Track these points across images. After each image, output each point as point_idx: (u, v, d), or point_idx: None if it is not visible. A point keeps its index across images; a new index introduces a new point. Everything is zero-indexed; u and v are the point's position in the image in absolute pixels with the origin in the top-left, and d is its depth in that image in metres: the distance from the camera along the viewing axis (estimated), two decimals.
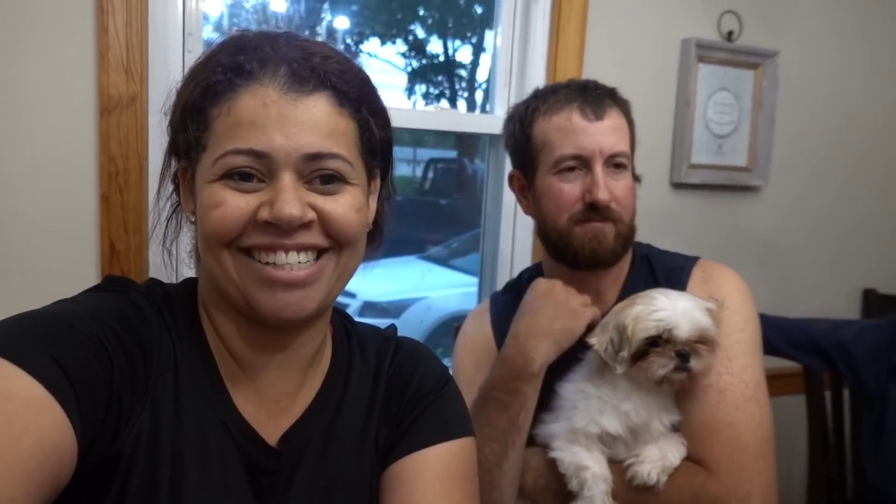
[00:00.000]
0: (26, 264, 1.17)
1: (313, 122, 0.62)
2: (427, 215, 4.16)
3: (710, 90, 1.92)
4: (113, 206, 1.18)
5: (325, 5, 2.63)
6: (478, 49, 4.04)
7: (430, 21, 3.90)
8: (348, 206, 0.64)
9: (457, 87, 4.23)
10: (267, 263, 0.62)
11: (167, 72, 1.20)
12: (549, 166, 1.11)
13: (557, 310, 1.06)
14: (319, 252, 0.65)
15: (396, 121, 1.45)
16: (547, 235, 1.15)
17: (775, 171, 2.00)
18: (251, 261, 0.63)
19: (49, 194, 1.19)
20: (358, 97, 0.65)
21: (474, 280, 3.22)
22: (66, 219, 1.19)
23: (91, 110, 1.17)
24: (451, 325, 1.44)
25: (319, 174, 0.63)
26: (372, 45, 3.62)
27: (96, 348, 0.57)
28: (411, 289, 3.37)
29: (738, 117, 1.97)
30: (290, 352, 0.69)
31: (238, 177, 0.61)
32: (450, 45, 4.02)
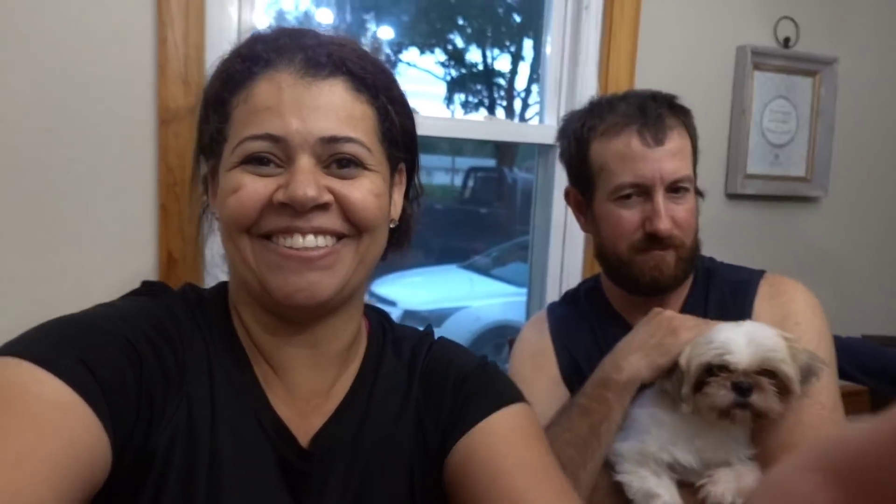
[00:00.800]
0: (87, 273, 1.18)
1: (329, 106, 0.62)
2: (467, 224, 4.14)
3: (767, 98, 1.87)
4: (171, 215, 1.19)
5: (370, 16, 2.64)
6: (516, 58, 4.03)
7: (469, 30, 3.90)
8: (366, 191, 0.64)
9: (495, 95, 4.22)
10: (284, 248, 0.62)
11: None
12: (607, 192, 1.07)
13: (658, 327, 1.00)
14: (339, 238, 0.64)
15: (446, 130, 1.42)
16: (606, 258, 1.12)
17: (835, 181, 1.94)
18: (268, 245, 0.62)
19: (110, 204, 1.20)
20: (375, 84, 0.65)
21: (515, 290, 3.18)
22: (126, 228, 1.20)
23: (151, 122, 1.18)
24: (493, 335, 1.42)
25: (337, 158, 0.62)
26: (411, 54, 3.64)
27: (125, 349, 0.58)
28: (452, 298, 3.34)
29: (796, 126, 1.91)
30: (318, 348, 0.68)
31: (256, 162, 0.62)
32: (488, 53, 4.02)
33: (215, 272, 0.90)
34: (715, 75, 1.81)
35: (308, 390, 0.69)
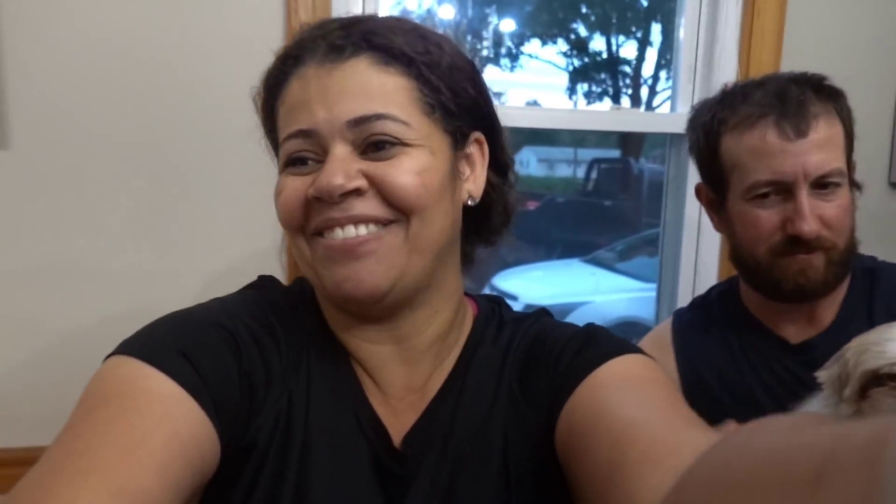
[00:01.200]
0: (220, 273, 1.24)
1: (353, 87, 0.59)
2: (590, 217, 4.03)
3: None
4: None
5: (492, 9, 2.61)
6: (643, 44, 3.86)
7: (592, 18, 3.79)
8: (405, 170, 0.59)
9: (620, 84, 4.07)
10: (329, 240, 0.61)
11: None
12: (741, 190, 0.97)
13: None
14: (384, 225, 0.60)
15: (570, 122, 1.34)
16: (743, 262, 1.02)
17: None
18: (319, 241, 0.61)
19: (239, 204, 1.26)
20: (407, 53, 0.60)
21: (642, 285, 3.06)
22: (253, 229, 1.25)
23: None
24: (618, 331, 1.34)
25: (372, 140, 0.59)
26: (532, 46, 3.58)
27: (226, 341, 0.59)
28: (575, 292, 3.27)
29: None
30: (403, 344, 0.66)
31: (299, 162, 0.61)
32: (613, 41, 3.88)
33: None
34: (875, 54, 1.63)
35: (401, 387, 0.67)
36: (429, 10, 1.86)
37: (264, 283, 0.71)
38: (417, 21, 0.67)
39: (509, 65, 3.76)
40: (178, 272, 1.20)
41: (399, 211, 0.60)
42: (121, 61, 1.12)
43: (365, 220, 0.59)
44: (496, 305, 0.75)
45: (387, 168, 0.59)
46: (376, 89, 0.59)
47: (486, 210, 0.70)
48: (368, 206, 0.59)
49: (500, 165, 0.70)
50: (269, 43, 1.19)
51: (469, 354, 0.69)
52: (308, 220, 0.61)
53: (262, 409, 0.61)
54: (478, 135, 0.67)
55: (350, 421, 0.64)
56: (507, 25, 2.98)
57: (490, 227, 0.72)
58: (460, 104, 0.64)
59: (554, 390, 0.63)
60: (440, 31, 0.66)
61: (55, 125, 1.11)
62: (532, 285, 3.23)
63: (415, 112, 0.60)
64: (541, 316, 0.73)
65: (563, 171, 4.74)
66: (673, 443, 0.48)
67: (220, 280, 1.22)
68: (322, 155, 0.60)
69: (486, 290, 2.81)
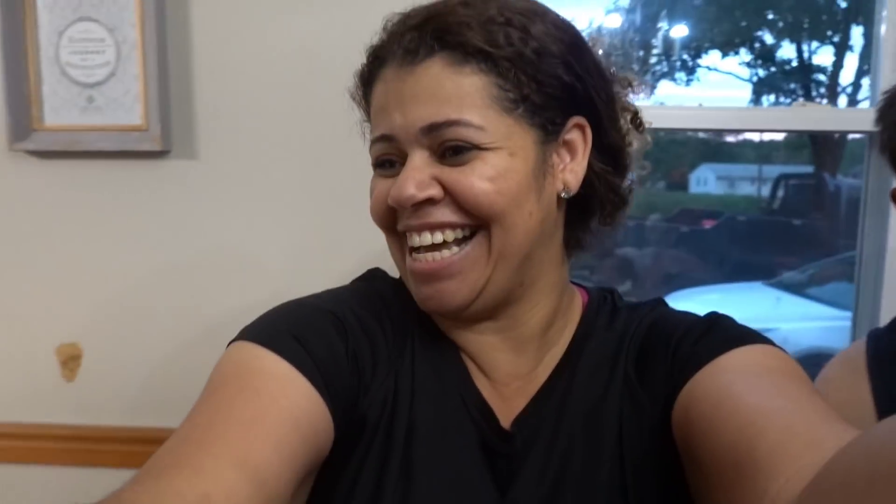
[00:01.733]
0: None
1: (426, 92, 0.57)
2: (776, 238, 3.69)
3: None
4: None
5: (663, 13, 2.48)
6: (841, 48, 3.52)
7: (780, 24, 3.52)
8: (478, 176, 0.57)
9: (813, 93, 3.74)
10: (412, 249, 0.61)
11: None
12: None
13: None
14: (471, 231, 0.59)
15: (750, 121, 1.21)
16: None
17: None
18: (404, 248, 0.62)
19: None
20: (485, 47, 0.57)
21: (837, 313, 2.72)
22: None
23: None
24: (807, 363, 1.17)
25: (446, 146, 0.58)
26: (711, 58, 3.38)
27: (335, 325, 0.62)
28: (756, 318, 3.00)
29: None
30: (505, 333, 0.65)
31: (386, 164, 0.62)
32: (805, 47, 3.59)
33: None
34: None
35: (506, 373, 0.66)
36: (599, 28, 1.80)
37: (373, 275, 0.73)
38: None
39: (684, 78, 3.58)
40: (331, 267, 1.22)
41: (475, 217, 0.59)
42: (305, 66, 1.14)
43: (439, 227, 0.59)
44: (608, 294, 0.73)
45: (460, 175, 0.58)
46: (450, 92, 0.57)
47: (590, 197, 0.66)
48: (443, 213, 0.59)
49: (607, 149, 0.65)
50: None
51: (580, 340, 0.68)
52: (396, 222, 0.62)
53: (370, 389, 0.62)
54: (578, 120, 0.62)
55: (456, 402, 0.64)
56: (679, 31, 2.83)
57: (596, 215, 0.68)
58: (549, 94, 0.60)
59: (672, 375, 0.59)
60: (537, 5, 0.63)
61: (239, 130, 1.16)
62: (707, 309, 3.00)
63: (492, 112, 0.58)
64: (659, 304, 0.70)
65: (745, 188, 4.41)
66: (812, 437, 0.44)
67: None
68: (403, 158, 0.60)
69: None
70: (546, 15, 0.61)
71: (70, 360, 1.22)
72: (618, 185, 0.67)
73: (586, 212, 0.68)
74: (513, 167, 0.58)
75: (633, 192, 0.69)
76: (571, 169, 0.63)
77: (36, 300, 1.21)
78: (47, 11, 1.15)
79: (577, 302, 0.71)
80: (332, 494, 0.62)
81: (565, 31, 0.62)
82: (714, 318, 0.64)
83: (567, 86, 0.60)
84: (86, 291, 1.20)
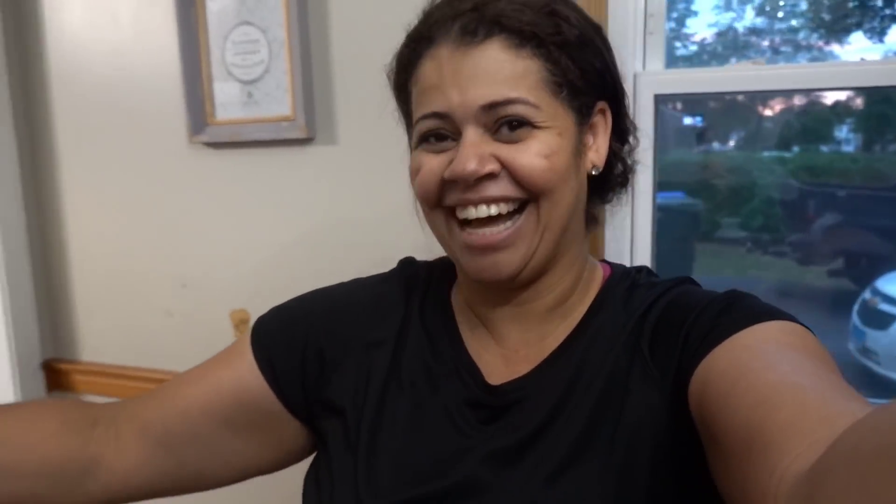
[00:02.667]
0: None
1: (486, 72, 0.61)
2: None
3: None
4: None
5: None
6: None
7: None
8: (533, 153, 0.61)
9: None
10: (464, 222, 0.64)
11: (622, 65, 1.17)
12: None
13: None
14: (520, 203, 0.63)
15: None
16: None
17: None
18: (454, 222, 0.65)
19: None
20: (538, 33, 0.61)
21: None
22: None
23: None
24: None
25: (503, 122, 0.61)
26: None
27: (308, 322, 0.75)
28: None
29: None
30: (523, 306, 0.69)
31: (434, 139, 0.64)
32: None
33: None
34: None
35: (516, 342, 0.70)
36: None
37: (404, 262, 0.81)
38: None
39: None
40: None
41: (529, 191, 0.63)
42: None
43: (496, 200, 0.63)
44: (634, 271, 0.73)
45: (516, 152, 0.62)
46: (508, 73, 0.61)
47: (607, 174, 0.71)
48: (500, 187, 0.62)
49: (621, 132, 0.71)
50: None
51: (593, 315, 0.69)
52: (443, 197, 0.65)
53: (336, 371, 0.73)
54: (602, 104, 0.68)
55: (446, 365, 0.70)
56: None
57: (609, 190, 0.73)
58: (587, 79, 0.65)
59: (689, 351, 0.58)
60: None
61: (374, 118, 1.25)
62: None
63: (544, 94, 0.62)
64: (683, 282, 0.70)
65: None
66: (825, 413, 0.43)
67: None
68: (456, 134, 0.63)
69: (867, 294, 2.37)
70: (576, 6, 0.66)
71: (241, 324, 1.41)
72: (626, 163, 0.72)
73: (601, 189, 0.72)
74: (561, 145, 0.63)
75: (634, 171, 0.74)
76: (597, 149, 0.68)
77: (213, 269, 1.41)
78: (215, 19, 1.32)
79: (597, 277, 0.73)
80: (325, 442, 0.72)
81: (594, 23, 0.67)
82: (735, 295, 0.63)
83: (600, 73, 0.66)
84: (250, 262, 1.38)
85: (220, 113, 1.35)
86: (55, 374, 1.58)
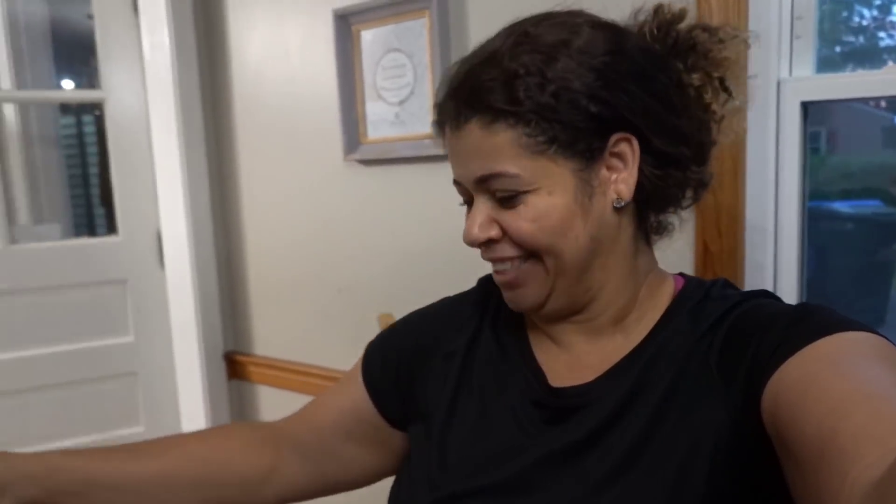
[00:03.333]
0: None
1: (471, 149, 0.66)
2: None
3: None
4: (707, 209, 1.17)
5: None
6: None
7: None
8: (523, 219, 0.66)
9: None
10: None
11: (766, 71, 1.12)
12: None
13: None
14: (526, 259, 0.68)
15: None
16: None
17: None
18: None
19: None
20: (507, 106, 0.63)
21: None
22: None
23: None
24: None
25: (497, 192, 0.66)
26: None
27: (402, 337, 0.84)
28: None
29: None
30: (581, 325, 0.72)
31: (464, 202, 0.72)
32: None
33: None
34: None
35: (580, 350, 0.73)
36: None
37: (481, 280, 0.86)
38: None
39: None
40: None
41: (528, 250, 0.67)
42: None
43: (503, 260, 0.69)
44: (710, 284, 0.71)
45: (510, 218, 0.66)
46: (487, 149, 0.65)
47: (658, 191, 0.69)
48: (504, 249, 0.68)
49: (656, 152, 0.67)
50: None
51: (660, 329, 0.68)
52: None
53: (422, 385, 0.80)
54: (620, 135, 0.65)
55: (514, 367, 0.74)
56: None
57: (671, 204, 0.72)
58: (577, 128, 0.64)
59: (760, 364, 0.57)
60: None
61: None
62: None
63: (525, 159, 0.64)
64: (757, 296, 0.68)
65: None
66: None
67: None
68: (472, 199, 0.70)
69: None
70: (571, 43, 0.64)
71: (387, 327, 1.53)
72: (681, 177, 0.69)
73: (659, 204, 0.71)
74: (552, 204, 0.65)
75: (711, 176, 0.72)
76: (623, 180, 0.66)
77: (363, 276, 1.54)
78: (368, 48, 1.45)
79: (666, 290, 0.72)
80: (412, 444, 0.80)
81: (593, 53, 0.63)
82: (808, 307, 0.61)
83: (595, 115, 0.63)
84: (396, 269, 1.49)
85: (371, 132, 1.47)
86: (234, 364, 1.80)
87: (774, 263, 1.17)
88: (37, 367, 1.75)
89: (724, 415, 0.60)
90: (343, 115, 1.48)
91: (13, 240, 1.75)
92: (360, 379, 0.84)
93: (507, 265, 0.69)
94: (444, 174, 1.40)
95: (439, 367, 0.79)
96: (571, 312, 0.71)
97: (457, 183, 0.71)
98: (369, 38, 1.44)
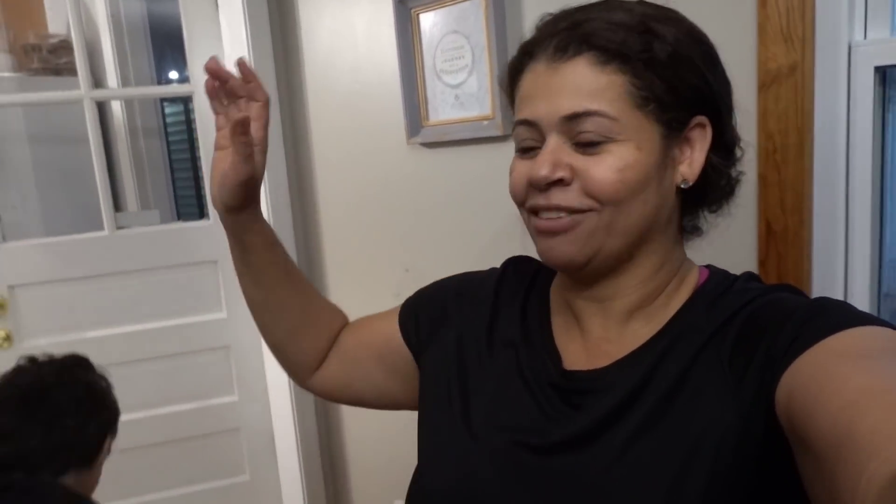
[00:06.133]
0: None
1: (571, 86, 0.64)
2: None
3: None
4: (770, 185, 1.11)
5: None
6: None
7: None
8: (607, 166, 0.64)
9: None
10: (537, 219, 0.70)
11: (835, 35, 1.04)
12: None
13: None
14: (582, 212, 0.66)
15: None
16: None
17: None
18: (532, 217, 0.70)
19: None
20: (626, 50, 0.63)
21: None
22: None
23: (751, 87, 1.13)
24: None
25: (582, 134, 0.64)
26: None
27: (431, 296, 0.88)
28: None
29: None
30: (604, 303, 0.72)
31: (525, 148, 0.69)
32: None
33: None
34: None
35: (598, 336, 0.73)
36: None
37: (513, 260, 0.89)
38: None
39: None
40: None
41: (597, 202, 0.65)
42: None
43: (561, 210, 0.66)
44: (734, 278, 0.70)
45: (590, 163, 0.64)
46: (591, 87, 0.64)
47: (703, 187, 0.70)
48: (568, 196, 0.66)
49: (723, 146, 0.70)
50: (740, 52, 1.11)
51: (678, 319, 0.69)
52: (526, 200, 0.70)
53: (439, 339, 0.84)
54: (700, 119, 0.67)
55: (536, 349, 0.75)
56: None
57: (708, 202, 0.73)
58: (678, 95, 0.65)
59: (775, 357, 0.57)
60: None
61: None
62: None
63: (626, 106, 0.64)
64: (778, 289, 0.68)
65: None
66: None
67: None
68: (542, 143, 0.67)
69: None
70: (681, 22, 0.67)
71: None
72: (730, 176, 0.71)
73: (699, 200, 0.71)
74: (638, 159, 0.64)
75: (739, 182, 0.73)
76: (690, 162, 0.68)
77: (428, 255, 1.58)
78: (427, 31, 1.47)
79: (691, 281, 0.71)
80: (424, 392, 0.84)
81: (699, 39, 0.67)
82: (825, 301, 0.60)
83: (695, 88, 0.65)
84: (457, 248, 1.52)
85: (432, 115, 1.50)
86: None
87: (846, 244, 1.10)
88: (141, 341, 1.91)
89: (731, 409, 0.59)
90: (405, 99, 1.51)
91: (118, 226, 1.91)
92: (396, 315, 0.90)
93: (562, 214, 0.67)
94: (501, 154, 1.42)
95: (457, 330, 0.82)
96: (603, 277, 0.71)
97: (525, 123, 0.68)
98: (429, 20, 1.46)
